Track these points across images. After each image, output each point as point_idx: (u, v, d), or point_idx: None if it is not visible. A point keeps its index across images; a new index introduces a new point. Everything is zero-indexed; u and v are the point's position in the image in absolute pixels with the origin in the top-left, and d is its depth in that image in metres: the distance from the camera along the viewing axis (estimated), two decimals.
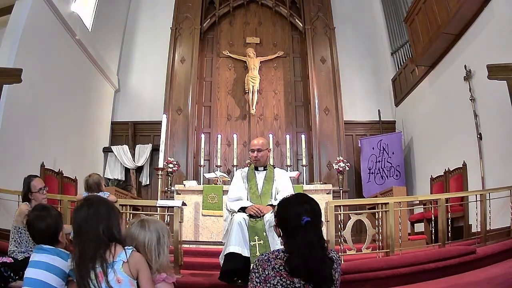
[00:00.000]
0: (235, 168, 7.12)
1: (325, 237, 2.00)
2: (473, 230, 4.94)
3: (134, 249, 2.00)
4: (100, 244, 1.92)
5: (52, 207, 2.48)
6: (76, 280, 1.94)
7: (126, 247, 1.97)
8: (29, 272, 2.12)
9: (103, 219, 1.98)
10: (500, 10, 5.13)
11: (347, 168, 7.51)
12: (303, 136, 7.65)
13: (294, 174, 6.99)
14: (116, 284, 1.88)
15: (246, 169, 3.88)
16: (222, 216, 5.20)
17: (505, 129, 5.00)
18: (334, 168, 7.54)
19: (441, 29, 6.11)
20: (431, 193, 6.27)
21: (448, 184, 6.02)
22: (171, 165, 7.20)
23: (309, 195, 1.94)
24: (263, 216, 3.36)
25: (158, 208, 4.08)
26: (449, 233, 4.32)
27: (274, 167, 3.95)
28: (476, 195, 4.59)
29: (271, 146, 7.08)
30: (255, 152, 3.71)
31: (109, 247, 1.93)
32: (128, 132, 8.90)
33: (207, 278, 3.52)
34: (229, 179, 6.14)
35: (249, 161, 6.32)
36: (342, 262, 3.55)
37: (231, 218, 3.46)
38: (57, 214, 2.39)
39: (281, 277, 1.69)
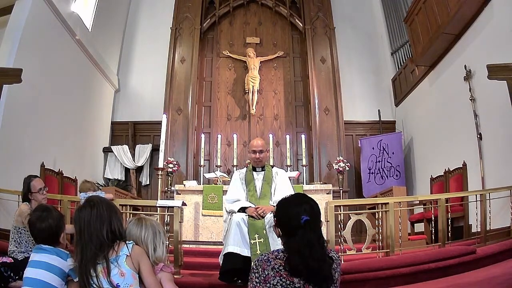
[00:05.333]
0: (235, 168, 7.12)
1: (325, 237, 2.00)
2: (473, 230, 4.94)
3: (134, 243, 2.07)
4: (103, 245, 1.97)
5: (54, 208, 2.49)
6: (78, 278, 1.96)
7: (127, 242, 2.05)
8: (29, 272, 2.13)
9: (106, 220, 2.02)
10: (500, 10, 5.13)
11: (347, 168, 7.52)
12: (303, 136, 7.64)
13: (294, 174, 6.99)
14: (119, 277, 1.93)
15: (244, 170, 3.86)
16: (222, 216, 5.20)
17: (505, 129, 5.00)
18: (334, 168, 7.54)
19: (441, 29, 6.11)
20: (431, 193, 6.27)
21: (448, 184, 6.02)
22: (171, 165, 7.20)
23: (309, 195, 1.94)
24: (263, 217, 3.35)
25: (158, 208, 4.07)
26: (449, 233, 4.32)
27: (273, 167, 3.94)
28: (476, 195, 4.59)
29: (271, 146, 7.11)
30: (257, 153, 3.70)
31: (112, 247, 1.99)
32: (128, 132, 8.90)
33: (207, 278, 3.52)
34: (229, 179, 6.14)
35: (248, 161, 6.31)
36: (342, 262, 3.56)
37: (230, 218, 3.46)
38: (59, 215, 2.38)
39: (281, 277, 1.69)
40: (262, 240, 3.23)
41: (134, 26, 9.62)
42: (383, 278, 3.31)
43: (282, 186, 3.65)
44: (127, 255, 1.98)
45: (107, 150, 8.72)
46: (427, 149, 7.43)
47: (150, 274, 2.02)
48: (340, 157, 7.58)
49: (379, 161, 8.03)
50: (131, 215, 4.09)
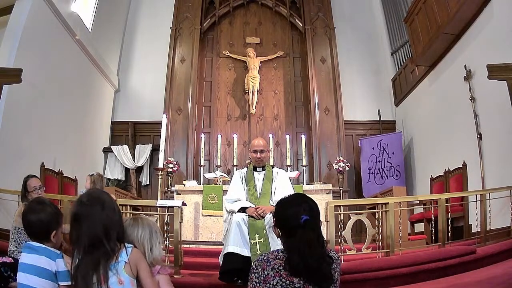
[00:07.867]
0: (235, 168, 7.12)
1: (325, 237, 1.99)
2: (473, 230, 4.94)
3: (133, 245, 2.00)
4: (102, 249, 1.88)
5: (52, 204, 2.28)
6: (78, 283, 1.88)
7: (126, 245, 1.96)
8: (21, 278, 2.03)
9: (104, 220, 1.92)
10: (500, 10, 5.13)
11: (347, 168, 7.51)
12: (303, 136, 7.65)
13: (294, 174, 6.99)
14: (118, 285, 1.86)
15: (244, 170, 3.87)
16: (222, 216, 5.20)
17: (505, 129, 5.00)
18: (334, 168, 7.54)
19: (441, 29, 6.11)
20: (431, 193, 6.28)
21: (448, 184, 6.02)
22: (171, 165, 7.20)
23: (309, 195, 1.94)
24: (263, 218, 3.35)
25: (158, 208, 4.07)
26: (449, 233, 4.32)
27: (273, 167, 3.94)
28: (476, 195, 4.59)
29: (271, 146, 7.10)
30: (258, 153, 3.70)
31: (114, 252, 1.90)
32: (128, 132, 8.91)
33: (207, 278, 3.52)
34: (229, 179, 6.15)
35: (249, 161, 6.31)
36: (342, 262, 3.56)
37: (230, 218, 3.46)
38: (54, 212, 2.19)
39: (281, 278, 1.69)
40: (262, 240, 3.23)
41: (134, 26, 9.62)
42: (383, 278, 3.31)
43: (283, 186, 3.64)
44: (125, 262, 1.90)
45: (107, 150, 8.72)
46: (427, 149, 7.44)
47: (148, 277, 1.97)
48: (340, 157, 7.57)
49: (379, 161, 8.03)
50: (131, 215, 4.09)
